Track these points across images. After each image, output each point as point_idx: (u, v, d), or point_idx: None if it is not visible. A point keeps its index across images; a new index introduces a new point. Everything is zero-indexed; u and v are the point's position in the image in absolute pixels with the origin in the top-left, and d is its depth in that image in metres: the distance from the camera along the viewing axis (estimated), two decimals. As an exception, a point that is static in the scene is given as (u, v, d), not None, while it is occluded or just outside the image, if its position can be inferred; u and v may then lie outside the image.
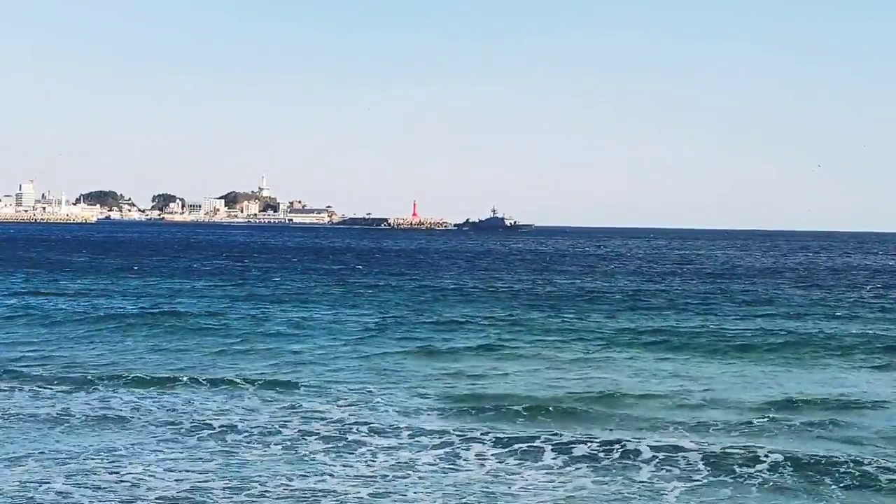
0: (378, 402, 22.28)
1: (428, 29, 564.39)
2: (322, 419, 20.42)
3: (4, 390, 23.12)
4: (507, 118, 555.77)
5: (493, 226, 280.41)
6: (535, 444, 18.38)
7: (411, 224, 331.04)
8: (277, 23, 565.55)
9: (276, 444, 18.22)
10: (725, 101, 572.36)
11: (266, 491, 15.36)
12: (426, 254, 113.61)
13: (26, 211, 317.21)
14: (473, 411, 21.31)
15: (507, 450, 18.02)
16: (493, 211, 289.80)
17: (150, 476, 16.07)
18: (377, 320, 38.56)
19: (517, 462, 17.33)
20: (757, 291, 57.67)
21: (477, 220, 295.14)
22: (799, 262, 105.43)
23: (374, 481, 16.02)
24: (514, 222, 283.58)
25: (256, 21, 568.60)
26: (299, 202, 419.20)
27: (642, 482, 16.21)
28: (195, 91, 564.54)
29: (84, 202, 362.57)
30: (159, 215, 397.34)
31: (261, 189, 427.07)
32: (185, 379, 24.73)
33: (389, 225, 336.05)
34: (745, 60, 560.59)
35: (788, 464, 17.08)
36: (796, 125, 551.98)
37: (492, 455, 17.69)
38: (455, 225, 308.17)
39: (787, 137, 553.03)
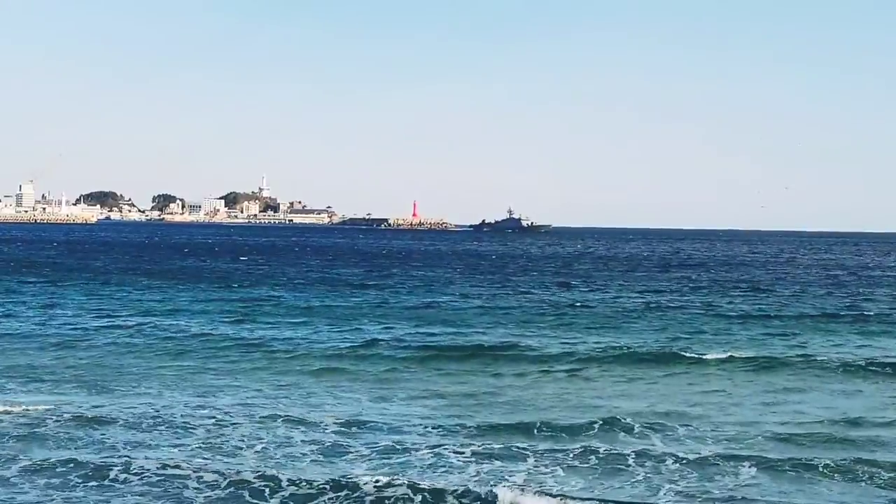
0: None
1: (429, 29, 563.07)
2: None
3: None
4: (507, 119, 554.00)
5: (510, 227, 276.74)
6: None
7: (411, 224, 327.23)
8: (278, 23, 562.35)
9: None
10: (734, 102, 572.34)
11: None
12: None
13: (26, 211, 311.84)
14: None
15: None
16: (510, 211, 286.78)
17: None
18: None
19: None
20: None
21: (493, 221, 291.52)
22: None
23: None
24: (532, 223, 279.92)
25: (257, 21, 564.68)
26: (299, 202, 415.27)
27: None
28: (195, 91, 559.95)
29: (84, 202, 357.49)
30: (159, 216, 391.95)
31: (261, 189, 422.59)
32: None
33: (389, 225, 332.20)
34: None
35: None
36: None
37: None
38: (471, 226, 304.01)
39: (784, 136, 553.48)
